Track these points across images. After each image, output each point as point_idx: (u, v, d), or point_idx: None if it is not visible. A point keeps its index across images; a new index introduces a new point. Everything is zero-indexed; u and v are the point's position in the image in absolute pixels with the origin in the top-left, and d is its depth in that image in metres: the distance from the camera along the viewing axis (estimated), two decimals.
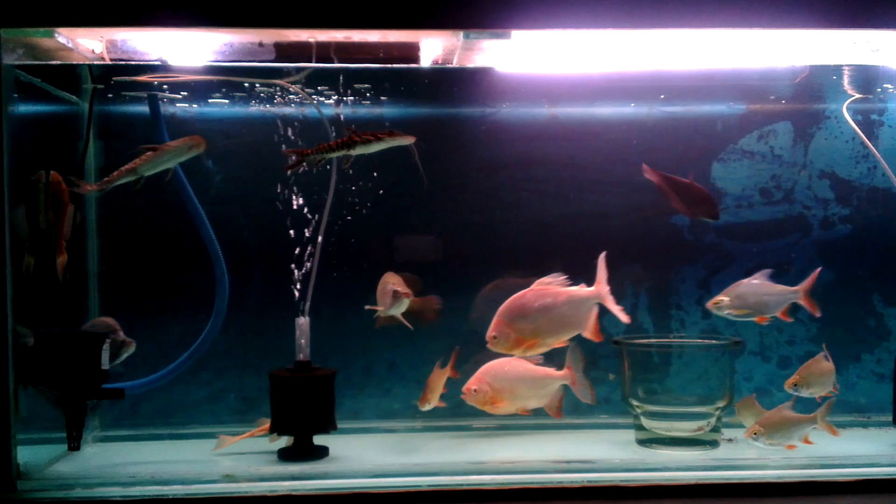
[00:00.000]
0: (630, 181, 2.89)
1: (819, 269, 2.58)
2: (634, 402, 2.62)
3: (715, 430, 2.59)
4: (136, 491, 2.14)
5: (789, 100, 2.90)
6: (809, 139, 2.95)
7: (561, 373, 2.62)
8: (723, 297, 2.56)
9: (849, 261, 2.94)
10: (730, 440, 2.62)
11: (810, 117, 2.94)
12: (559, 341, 2.52)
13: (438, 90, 2.73)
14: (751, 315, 2.53)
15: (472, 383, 2.57)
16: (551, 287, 2.49)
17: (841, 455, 2.42)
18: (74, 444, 2.24)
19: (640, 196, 2.89)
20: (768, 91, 2.84)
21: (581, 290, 2.49)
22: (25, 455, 2.22)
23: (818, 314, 2.63)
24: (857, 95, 2.83)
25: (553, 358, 2.61)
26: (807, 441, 2.44)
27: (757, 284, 2.55)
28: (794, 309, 2.94)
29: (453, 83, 2.67)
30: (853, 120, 2.88)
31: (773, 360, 2.95)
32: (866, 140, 2.86)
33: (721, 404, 2.58)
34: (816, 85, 2.76)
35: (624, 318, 2.44)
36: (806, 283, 2.58)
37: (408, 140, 2.43)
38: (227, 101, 2.76)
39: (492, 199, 2.88)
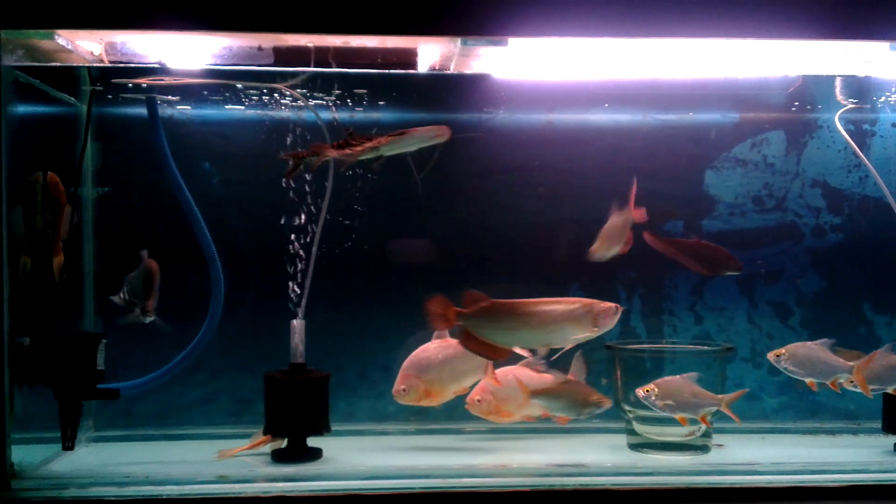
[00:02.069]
0: (624, 188, 2.91)
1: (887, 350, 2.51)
2: (626, 407, 2.64)
3: (706, 435, 2.61)
4: (131, 491, 2.15)
5: (782, 109, 2.93)
6: (802, 148, 2.98)
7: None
8: (782, 352, 2.52)
9: (840, 269, 2.97)
10: (720, 445, 2.64)
11: (803, 126, 2.97)
12: (462, 388, 2.58)
13: (435, 96, 2.76)
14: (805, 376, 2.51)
15: (475, 394, 2.59)
16: (450, 339, 2.56)
17: (831, 461, 2.45)
18: (69, 444, 2.24)
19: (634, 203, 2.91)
20: (761, 100, 2.87)
21: None
22: (20, 455, 2.23)
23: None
24: (850, 105, 2.86)
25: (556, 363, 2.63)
26: (703, 420, 2.44)
27: (816, 349, 2.52)
28: (786, 316, 2.98)
29: (450, 89, 2.69)
30: (845, 130, 2.91)
31: (763, 367, 2.96)
32: (857, 150, 2.89)
33: (712, 409, 2.59)
34: (809, 95, 2.79)
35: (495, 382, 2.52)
36: (863, 362, 2.48)
37: (432, 132, 2.45)
38: (225, 103, 2.78)
39: (487, 204, 2.90)
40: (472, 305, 2.31)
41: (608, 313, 2.38)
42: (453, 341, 2.57)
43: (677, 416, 2.42)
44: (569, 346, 2.40)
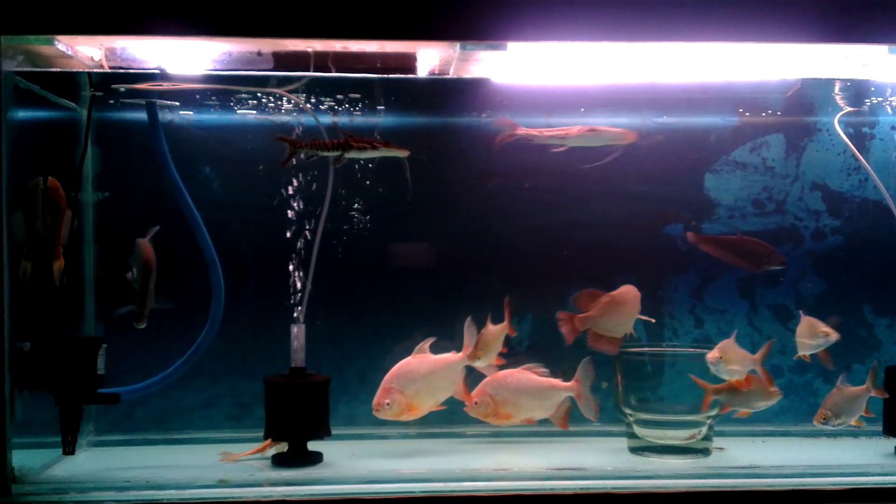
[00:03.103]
0: (624, 191, 2.92)
1: (773, 340, 2.59)
2: (627, 410, 2.64)
3: (707, 438, 2.61)
4: (131, 495, 2.15)
5: (782, 112, 2.94)
6: (801, 151, 2.98)
7: (568, 384, 2.62)
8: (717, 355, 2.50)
9: (840, 272, 2.97)
10: (721, 448, 2.64)
11: (802, 130, 2.97)
12: (437, 403, 2.60)
13: (435, 100, 2.76)
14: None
15: (474, 395, 2.59)
16: (430, 355, 2.60)
17: (832, 464, 2.45)
18: (69, 449, 2.25)
19: (634, 206, 2.92)
20: (761, 104, 2.87)
21: (453, 356, 2.61)
22: (20, 459, 2.23)
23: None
24: (849, 109, 2.87)
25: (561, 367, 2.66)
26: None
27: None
28: (786, 319, 2.98)
29: (450, 93, 2.69)
30: (845, 133, 2.91)
31: None
32: (857, 153, 2.90)
33: (713, 413, 2.59)
34: (808, 98, 2.79)
35: (490, 372, 2.61)
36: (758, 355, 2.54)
37: (402, 153, 2.51)
38: (225, 108, 2.78)
39: (487, 207, 2.90)
40: (589, 305, 2.58)
41: None
42: (432, 356, 2.59)
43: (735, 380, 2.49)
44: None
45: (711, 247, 2.78)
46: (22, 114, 2.47)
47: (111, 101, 2.68)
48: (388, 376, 2.55)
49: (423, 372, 2.56)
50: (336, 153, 2.46)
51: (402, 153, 2.51)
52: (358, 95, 2.68)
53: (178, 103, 2.71)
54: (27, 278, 2.30)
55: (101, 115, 2.76)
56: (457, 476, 2.29)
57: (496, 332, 2.60)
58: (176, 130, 2.77)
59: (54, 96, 2.62)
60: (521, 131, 2.65)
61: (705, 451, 2.59)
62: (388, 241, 2.88)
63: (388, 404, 2.51)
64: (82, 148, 2.64)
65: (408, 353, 2.60)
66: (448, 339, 2.69)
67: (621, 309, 2.61)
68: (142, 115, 2.66)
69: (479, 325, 2.59)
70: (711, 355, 2.49)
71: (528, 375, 2.59)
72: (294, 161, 2.52)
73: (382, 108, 2.79)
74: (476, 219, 2.90)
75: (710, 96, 2.78)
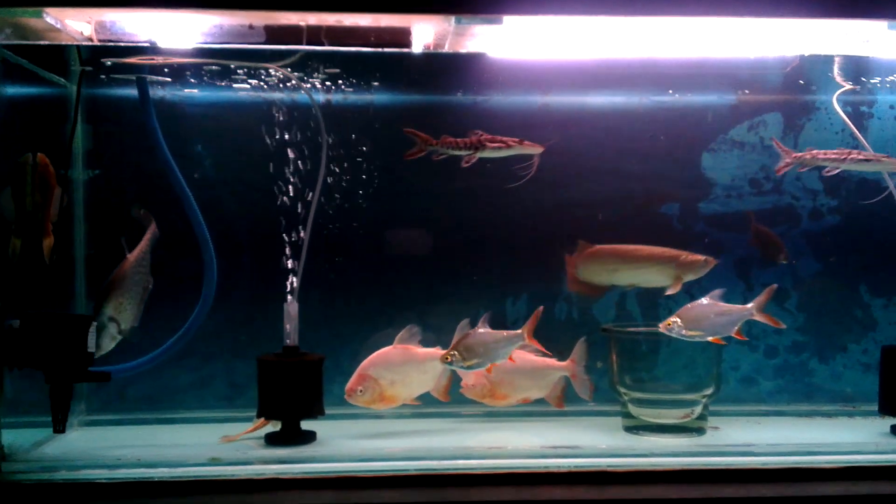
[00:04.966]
0: (620, 170, 2.90)
1: (775, 286, 2.54)
2: (622, 390, 2.63)
3: (701, 417, 2.60)
4: (122, 473, 2.13)
5: (780, 91, 2.91)
6: (799, 130, 2.96)
7: (563, 364, 2.62)
8: (675, 319, 2.49)
9: (837, 251, 2.95)
10: (716, 428, 2.63)
11: (800, 108, 2.95)
12: (411, 398, 2.57)
13: (430, 76, 2.73)
14: (705, 336, 2.49)
15: (470, 377, 2.57)
16: (410, 347, 2.56)
17: (826, 442, 2.44)
18: (60, 427, 2.22)
19: (630, 185, 2.90)
20: (759, 81, 2.85)
21: (437, 351, 2.56)
22: (10, 438, 2.21)
23: (781, 326, 2.63)
24: (848, 87, 2.84)
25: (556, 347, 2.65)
26: (738, 335, 2.48)
27: (709, 306, 2.49)
28: (782, 299, 2.97)
29: (445, 69, 2.66)
30: (843, 112, 2.89)
31: (760, 350, 2.96)
32: (856, 131, 2.87)
33: (708, 392, 2.59)
34: (807, 75, 2.77)
35: (470, 379, 2.58)
36: (760, 300, 2.51)
37: (536, 149, 2.51)
38: (216, 85, 2.75)
39: (483, 186, 2.88)
40: (579, 252, 2.71)
41: (694, 265, 2.62)
42: (416, 348, 2.56)
43: (710, 339, 2.44)
44: (671, 291, 2.69)
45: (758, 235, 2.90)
46: (11, 89, 2.44)
47: (102, 77, 2.64)
48: (365, 363, 2.52)
49: (400, 362, 2.53)
50: (468, 153, 2.42)
51: (537, 150, 2.50)
52: (353, 71, 2.65)
53: (169, 79, 2.67)
54: (16, 255, 2.28)
55: (92, 92, 2.72)
56: (451, 454, 2.28)
57: (489, 338, 2.45)
58: (167, 107, 2.74)
59: (43, 71, 2.58)
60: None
61: (700, 431, 2.59)
62: (384, 221, 2.86)
63: (360, 391, 2.49)
64: (72, 124, 2.60)
65: (390, 341, 2.57)
66: (444, 319, 2.68)
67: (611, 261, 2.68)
68: (133, 92, 2.62)
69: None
70: (664, 324, 2.47)
71: (523, 355, 2.57)
72: (420, 157, 2.50)
73: (377, 84, 2.76)
74: (472, 198, 2.87)
75: (707, 73, 2.75)
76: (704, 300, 2.50)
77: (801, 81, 2.84)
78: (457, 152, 2.46)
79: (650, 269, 2.69)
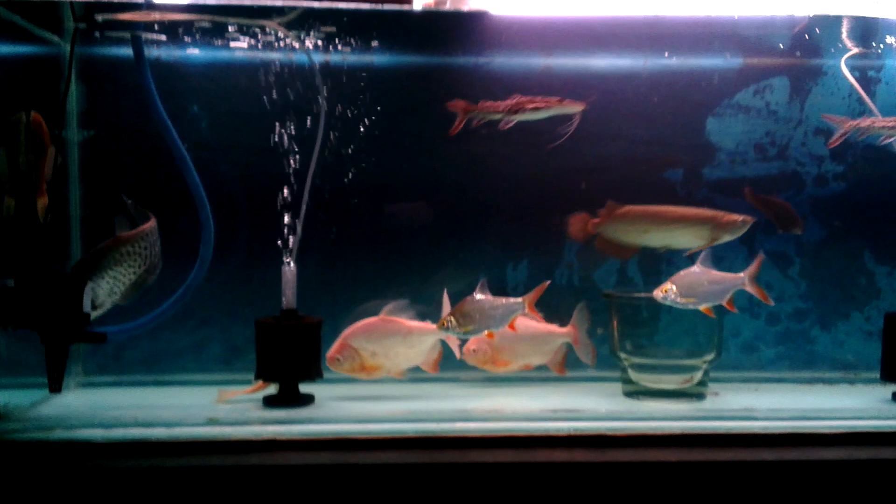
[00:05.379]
0: (622, 135, 2.86)
1: (762, 256, 2.50)
2: (622, 355, 2.61)
3: (701, 383, 2.58)
4: (118, 433, 2.12)
5: (787, 54, 2.86)
6: (806, 95, 2.91)
7: (564, 330, 2.60)
8: (671, 286, 2.45)
9: (841, 218, 2.92)
10: (716, 394, 2.62)
11: (807, 73, 2.89)
12: (397, 371, 2.52)
13: (430, 35, 2.68)
14: (698, 304, 2.46)
15: (471, 343, 2.55)
16: (398, 319, 2.51)
17: (827, 408, 2.43)
18: (56, 387, 2.20)
19: (632, 149, 2.86)
20: (766, 43, 2.79)
21: (426, 325, 2.51)
22: (6, 398, 2.20)
23: (770, 302, 2.57)
24: (856, 50, 2.79)
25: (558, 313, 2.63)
26: (730, 306, 2.46)
27: (703, 273, 2.46)
28: (785, 266, 2.94)
29: (446, 28, 2.61)
30: (850, 76, 2.84)
31: (761, 317, 2.94)
32: (864, 95, 2.82)
33: (709, 358, 2.57)
34: (815, 37, 2.71)
35: (458, 354, 2.54)
36: (751, 270, 2.48)
37: (577, 107, 2.43)
38: (213, 44, 2.70)
39: (485, 149, 2.84)
40: (606, 214, 2.66)
41: (731, 226, 2.57)
42: (400, 320, 2.52)
43: (702, 307, 2.42)
44: (695, 249, 2.61)
45: (760, 204, 2.82)
46: (3, 48, 2.40)
47: (96, 35, 2.60)
48: (347, 331, 2.49)
49: (384, 334, 2.48)
50: (506, 116, 2.37)
51: (577, 108, 2.43)
52: (352, 30, 2.60)
53: (164, 37, 2.62)
54: (10, 215, 2.25)
55: (87, 51, 2.67)
56: (450, 417, 2.27)
57: (486, 305, 2.39)
58: (163, 67, 2.69)
59: (37, 28, 2.53)
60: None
61: (700, 396, 2.57)
62: (384, 184, 2.82)
63: (339, 360, 2.46)
64: (65, 84, 2.56)
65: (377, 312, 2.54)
66: (442, 285, 2.65)
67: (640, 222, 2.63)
68: (128, 52, 2.57)
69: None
70: (658, 291, 2.44)
71: (525, 322, 2.55)
72: (464, 127, 2.43)
73: (376, 44, 2.71)
74: (474, 161, 2.84)
75: (713, 33, 2.69)
76: (696, 268, 2.47)
77: (808, 45, 2.78)
78: (496, 116, 2.40)
79: (685, 230, 2.63)
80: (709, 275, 2.45)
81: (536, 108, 2.43)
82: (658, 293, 2.44)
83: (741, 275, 2.47)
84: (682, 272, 2.47)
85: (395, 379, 2.69)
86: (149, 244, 2.40)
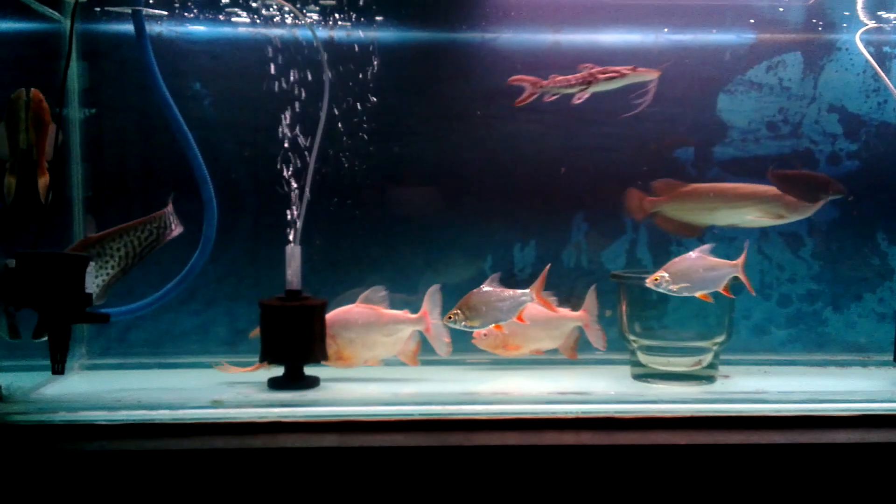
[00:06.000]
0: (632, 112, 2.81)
1: (748, 242, 2.47)
2: (631, 337, 2.58)
3: (711, 366, 2.55)
4: (122, 415, 2.10)
5: (800, 30, 2.80)
6: (819, 71, 2.85)
7: (576, 314, 2.58)
8: (663, 274, 2.41)
9: (854, 197, 2.87)
10: (726, 376, 2.59)
11: (821, 48, 2.83)
12: (374, 359, 2.50)
13: (435, 11, 2.63)
14: (693, 290, 2.42)
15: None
16: (375, 308, 2.48)
17: (839, 391, 2.40)
18: (58, 368, 2.18)
19: (643, 127, 2.80)
20: (779, 17, 2.73)
21: (403, 314, 2.48)
22: (9, 380, 2.18)
23: (752, 293, 2.54)
24: (871, 24, 2.72)
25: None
26: (725, 292, 2.42)
27: (698, 259, 2.42)
28: (797, 247, 2.90)
29: (451, 3, 2.56)
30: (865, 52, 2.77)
31: (773, 299, 2.90)
32: (880, 70, 2.76)
33: (719, 340, 2.53)
34: (829, 12, 2.65)
35: (443, 350, 2.48)
36: (743, 257, 2.45)
37: (652, 75, 2.38)
38: (215, 19, 2.65)
39: (490, 129, 2.80)
40: (665, 192, 2.63)
41: (801, 204, 2.54)
42: (378, 308, 2.49)
43: (697, 295, 2.38)
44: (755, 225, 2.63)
45: (785, 184, 2.69)
46: (3, 24, 2.35)
47: (97, 10, 2.55)
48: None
49: (361, 322, 2.46)
50: (581, 88, 2.32)
51: (653, 75, 2.38)
52: (350, 6, 2.55)
53: (165, 13, 2.58)
54: (11, 194, 2.22)
55: (88, 28, 2.63)
56: (456, 399, 2.24)
57: (493, 297, 2.39)
58: (165, 44, 2.65)
59: (37, 4, 2.49)
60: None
61: (710, 379, 2.54)
62: (390, 164, 2.78)
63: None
64: (65, 60, 2.51)
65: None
66: (449, 266, 2.62)
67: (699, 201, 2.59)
68: (129, 28, 2.53)
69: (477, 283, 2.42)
70: (651, 279, 2.40)
71: (535, 306, 2.52)
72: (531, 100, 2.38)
73: (380, 18, 2.66)
74: (479, 141, 2.79)
75: (726, 8, 2.63)
76: (693, 254, 2.43)
77: (822, 19, 2.72)
78: (569, 90, 2.35)
79: (753, 207, 2.59)
80: (704, 261, 2.41)
81: (611, 78, 2.37)
82: (650, 282, 2.40)
83: (736, 262, 2.43)
84: (677, 259, 2.44)
85: (402, 362, 2.68)
86: (123, 245, 2.36)
